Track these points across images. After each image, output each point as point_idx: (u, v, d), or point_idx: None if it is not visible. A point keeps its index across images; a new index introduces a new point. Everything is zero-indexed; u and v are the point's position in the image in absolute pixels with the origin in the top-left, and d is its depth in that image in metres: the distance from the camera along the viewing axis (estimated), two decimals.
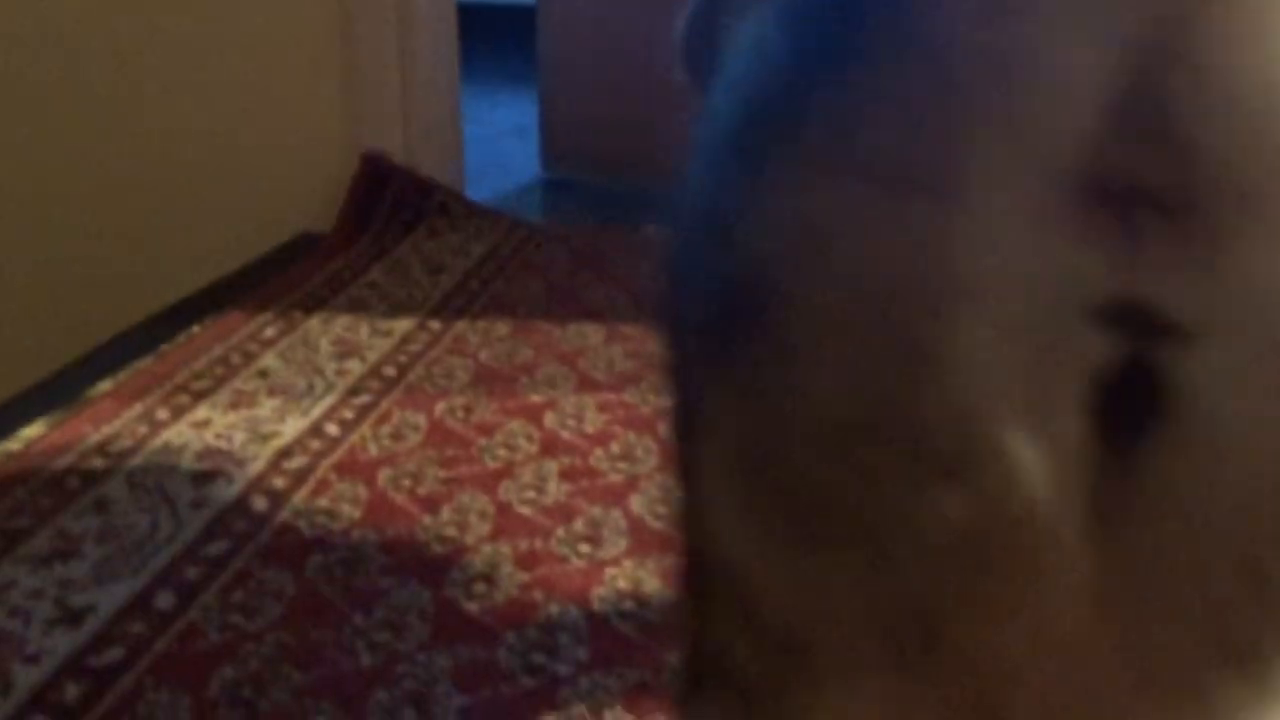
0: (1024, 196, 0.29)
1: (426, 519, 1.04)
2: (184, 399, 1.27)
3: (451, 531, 1.02)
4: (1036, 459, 0.30)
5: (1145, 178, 0.28)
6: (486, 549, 0.99)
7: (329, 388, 1.30)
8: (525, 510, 1.05)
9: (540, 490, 1.08)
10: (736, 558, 0.35)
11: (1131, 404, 0.29)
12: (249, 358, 1.38)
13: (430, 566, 0.97)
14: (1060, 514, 0.30)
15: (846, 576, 0.33)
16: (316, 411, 1.24)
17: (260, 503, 1.06)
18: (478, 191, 2.20)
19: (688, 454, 0.37)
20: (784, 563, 0.34)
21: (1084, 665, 0.32)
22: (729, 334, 0.33)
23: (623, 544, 0.99)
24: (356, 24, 1.80)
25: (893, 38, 0.30)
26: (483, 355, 1.39)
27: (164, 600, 0.92)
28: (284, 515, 1.04)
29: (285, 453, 1.15)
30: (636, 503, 1.06)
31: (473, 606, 0.91)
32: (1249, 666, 0.32)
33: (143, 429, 1.20)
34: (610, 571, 0.95)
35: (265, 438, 1.18)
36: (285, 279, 1.64)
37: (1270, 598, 0.31)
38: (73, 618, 0.90)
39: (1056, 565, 0.31)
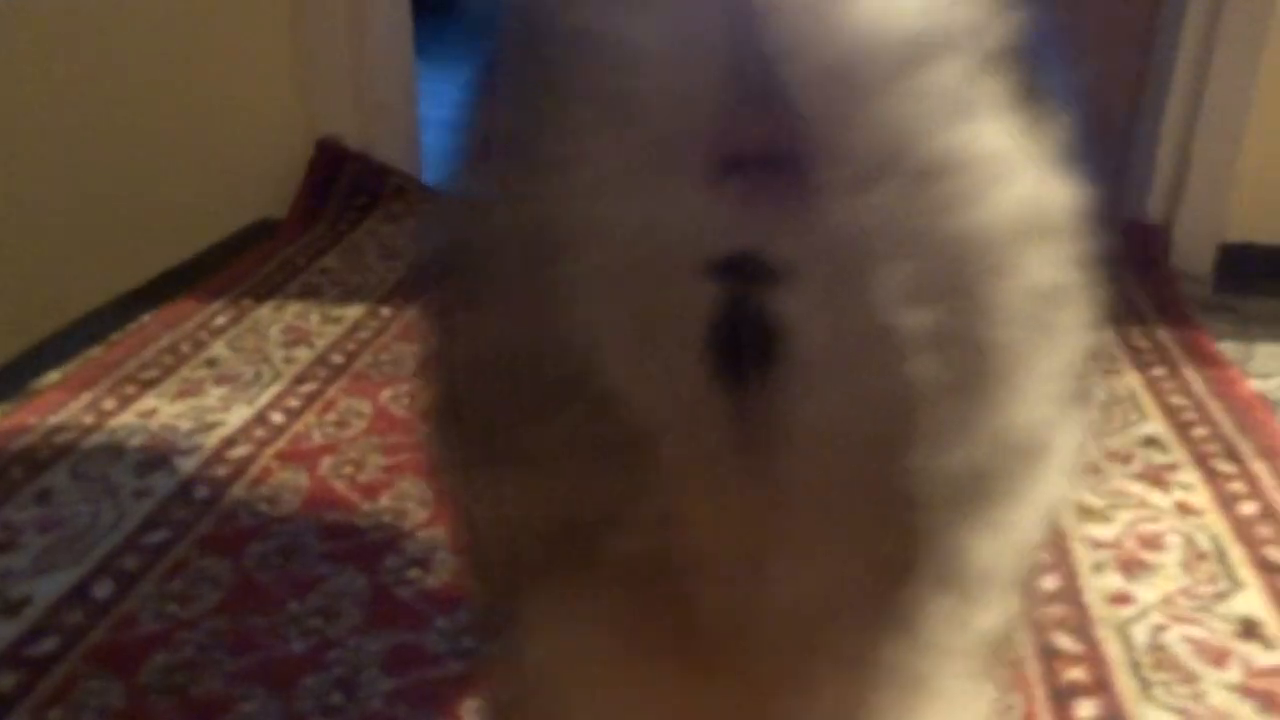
0: (635, 163, 0.33)
1: (366, 506, 1.05)
2: (131, 389, 1.28)
3: (390, 518, 1.03)
4: (650, 391, 0.33)
5: (755, 140, 0.32)
6: (423, 535, 1.01)
7: (276, 376, 1.31)
8: None
9: None
10: (459, 490, 0.40)
11: (752, 344, 0.33)
12: (198, 346, 1.39)
13: (367, 553, 0.98)
14: (689, 440, 0.34)
15: (516, 494, 0.37)
16: (263, 400, 1.25)
17: (202, 492, 1.07)
18: (437, 175, 2.20)
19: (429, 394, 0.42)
20: (480, 489, 0.38)
21: (758, 582, 0.36)
22: (442, 289, 0.38)
23: None
24: (307, 7, 1.79)
25: (517, 39, 0.34)
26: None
27: (102, 589, 0.93)
28: (225, 504, 1.05)
29: (229, 441, 1.16)
30: None
31: (406, 592, 0.93)
32: (903, 583, 0.36)
33: (89, 419, 1.21)
34: None
35: (210, 427, 1.19)
36: (238, 266, 1.65)
37: (903, 518, 0.34)
38: (10, 608, 0.91)
39: (697, 485, 0.34)
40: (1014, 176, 0.34)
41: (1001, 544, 0.37)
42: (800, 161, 0.33)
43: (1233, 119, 1.58)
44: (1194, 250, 1.63)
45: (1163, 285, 1.59)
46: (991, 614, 0.39)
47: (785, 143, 0.32)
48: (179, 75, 1.69)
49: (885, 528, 0.35)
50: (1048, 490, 0.38)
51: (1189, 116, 1.61)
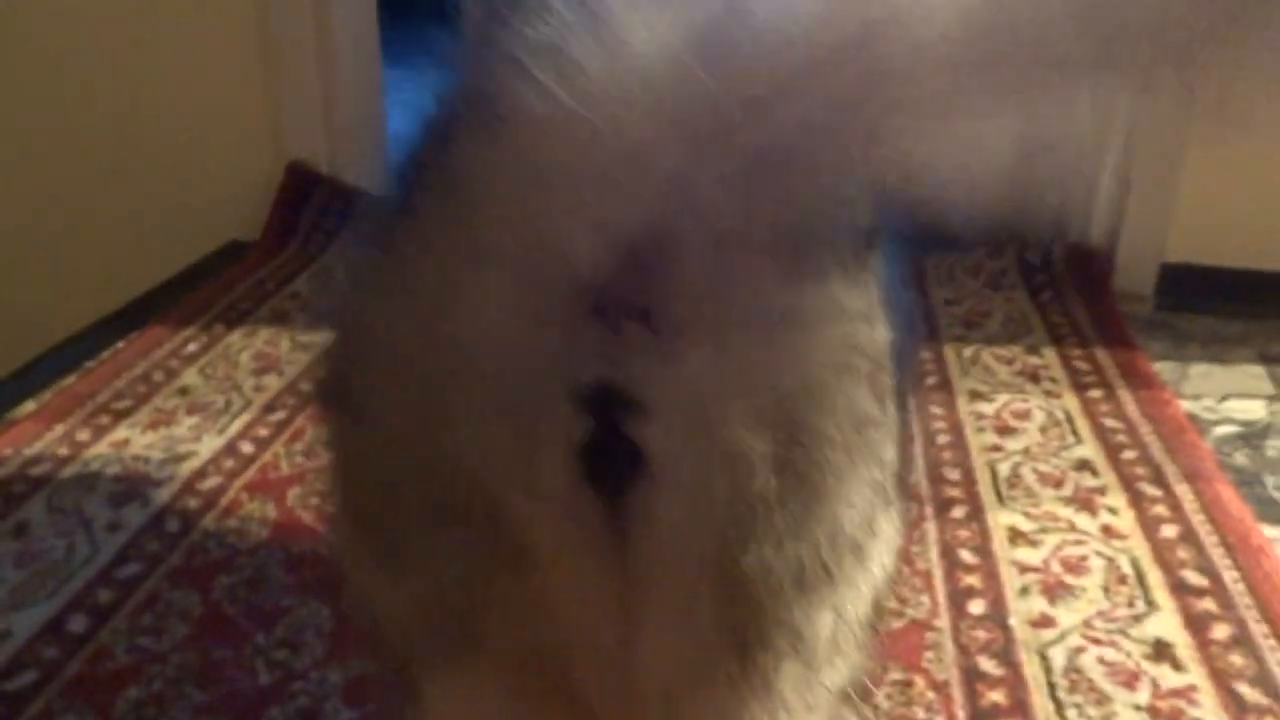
0: (523, 308, 0.38)
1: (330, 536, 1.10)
2: (105, 419, 1.32)
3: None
4: (529, 505, 0.39)
5: (632, 296, 0.38)
6: None
7: (246, 404, 1.36)
8: None
9: None
10: (360, 583, 0.46)
11: (616, 463, 0.39)
12: (170, 375, 1.43)
13: (331, 584, 1.03)
14: (563, 546, 0.40)
15: (408, 590, 0.43)
16: (233, 429, 1.30)
17: (173, 524, 1.12)
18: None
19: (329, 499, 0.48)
20: (376, 583, 0.44)
21: (631, 659, 0.42)
22: (343, 405, 0.44)
23: None
24: (277, 35, 1.83)
25: (435, 182, 0.39)
26: None
27: (77, 623, 0.98)
28: (195, 536, 1.10)
29: (200, 473, 1.21)
30: None
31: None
32: (757, 655, 0.43)
33: (64, 451, 1.25)
34: None
35: (182, 458, 1.24)
36: (210, 290, 1.69)
37: (745, 605, 0.41)
38: None
39: (568, 583, 0.41)
40: (842, 325, 0.41)
41: (839, 619, 0.44)
42: (663, 309, 0.38)
43: (1172, 145, 1.63)
44: (1136, 271, 1.69)
45: (1105, 306, 1.65)
46: (837, 673, 0.45)
47: (652, 296, 0.38)
48: (151, 103, 1.73)
49: (736, 612, 0.42)
50: (875, 572, 0.45)
51: (1130, 142, 1.67)
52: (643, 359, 0.39)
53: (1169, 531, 1.12)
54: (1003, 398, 1.40)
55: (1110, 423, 1.33)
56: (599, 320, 0.39)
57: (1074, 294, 1.68)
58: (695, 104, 0.33)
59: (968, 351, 1.53)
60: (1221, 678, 0.92)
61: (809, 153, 0.34)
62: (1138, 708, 0.89)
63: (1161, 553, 1.09)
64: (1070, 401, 1.39)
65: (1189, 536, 1.11)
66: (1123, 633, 0.98)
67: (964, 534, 1.12)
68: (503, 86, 0.36)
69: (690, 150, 0.34)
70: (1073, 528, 1.13)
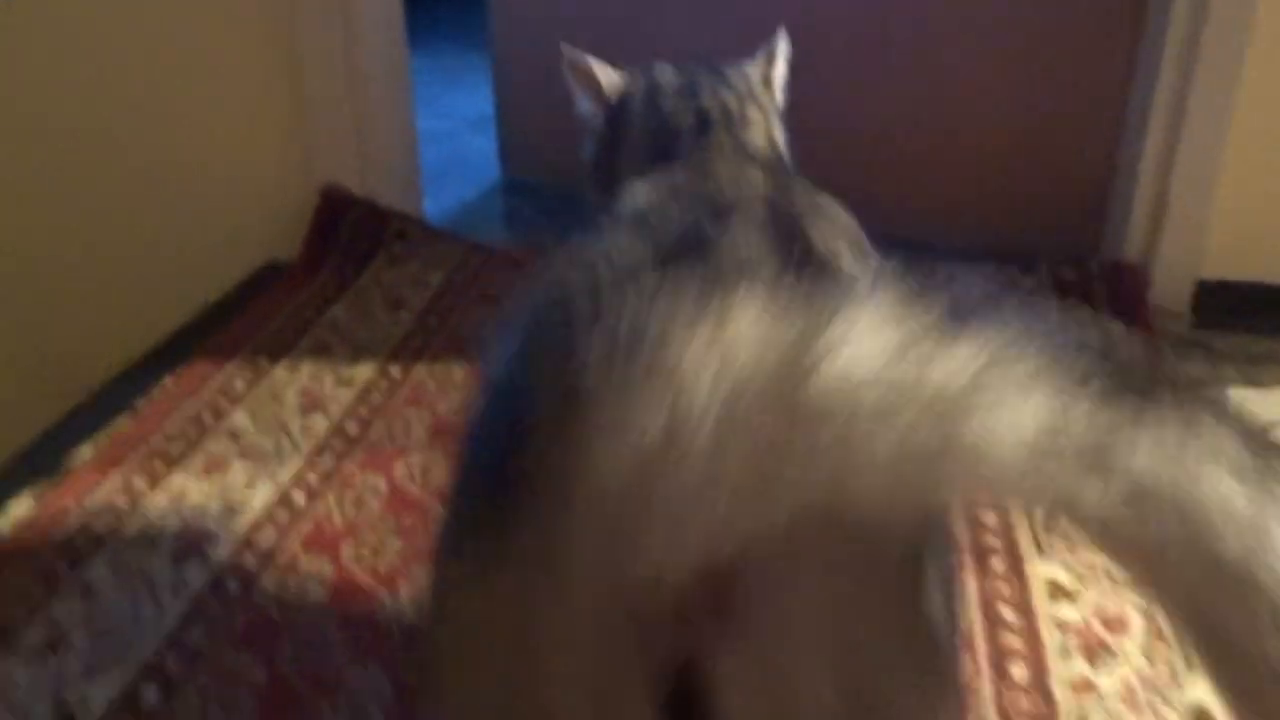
0: (604, 613, 0.41)
1: (387, 598, 1.14)
2: (159, 465, 1.35)
3: (409, 609, 1.11)
4: None
5: (704, 587, 0.40)
6: None
7: (295, 448, 1.39)
8: None
9: None
10: None
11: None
12: (219, 415, 1.46)
13: (389, 649, 1.07)
14: None
15: None
16: (284, 476, 1.33)
17: (233, 585, 1.15)
18: (437, 199, 2.25)
19: None
20: None
21: None
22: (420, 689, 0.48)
23: None
24: (307, 59, 1.83)
25: (520, 486, 0.41)
26: (440, 406, 1.47)
27: (149, 695, 1.02)
28: (255, 598, 1.13)
29: (256, 526, 1.24)
30: None
31: None
32: None
33: (123, 501, 1.29)
34: None
35: (236, 510, 1.27)
36: (250, 318, 1.71)
37: None
38: (67, 716, 1.00)
39: None
40: (906, 600, 0.44)
41: None
42: (730, 595, 0.41)
43: (1208, 160, 1.62)
44: (1172, 287, 1.69)
45: (1141, 323, 1.65)
46: None
47: (732, 595, 0.41)
48: (185, 134, 1.74)
49: None
50: None
51: (1166, 158, 1.66)
52: (712, 637, 0.42)
53: None
54: None
55: None
56: (670, 605, 0.41)
57: (1109, 311, 1.69)
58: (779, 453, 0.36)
59: None
60: None
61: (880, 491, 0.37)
62: None
63: None
64: None
65: None
66: (1162, 698, 1.00)
67: (1005, 589, 1.14)
68: (603, 400, 0.37)
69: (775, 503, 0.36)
70: (1110, 576, 1.15)
